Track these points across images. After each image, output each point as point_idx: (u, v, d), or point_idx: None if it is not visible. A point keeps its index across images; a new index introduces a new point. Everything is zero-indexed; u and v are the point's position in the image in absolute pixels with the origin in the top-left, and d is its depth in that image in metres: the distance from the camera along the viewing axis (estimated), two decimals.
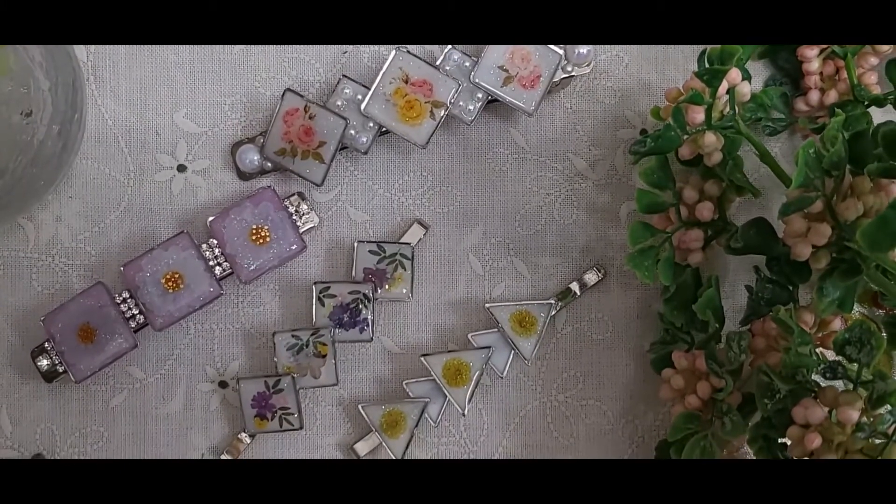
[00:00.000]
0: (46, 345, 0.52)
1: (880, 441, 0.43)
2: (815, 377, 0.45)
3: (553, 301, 0.54)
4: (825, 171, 0.43)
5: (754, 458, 0.49)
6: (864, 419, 0.43)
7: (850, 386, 0.44)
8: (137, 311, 0.52)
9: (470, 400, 0.53)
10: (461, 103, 0.53)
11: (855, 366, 0.44)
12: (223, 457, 0.54)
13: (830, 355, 0.47)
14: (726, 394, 0.47)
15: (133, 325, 0.52)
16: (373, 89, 0.52)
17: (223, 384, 0.54)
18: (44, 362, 0.52)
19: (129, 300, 0.52)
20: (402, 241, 0.54)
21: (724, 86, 0.47)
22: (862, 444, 0.42)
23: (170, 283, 0.52)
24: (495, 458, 0.55)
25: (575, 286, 0.55)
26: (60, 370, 0.52)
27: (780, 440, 0.47)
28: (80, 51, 0.54)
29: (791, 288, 0.50)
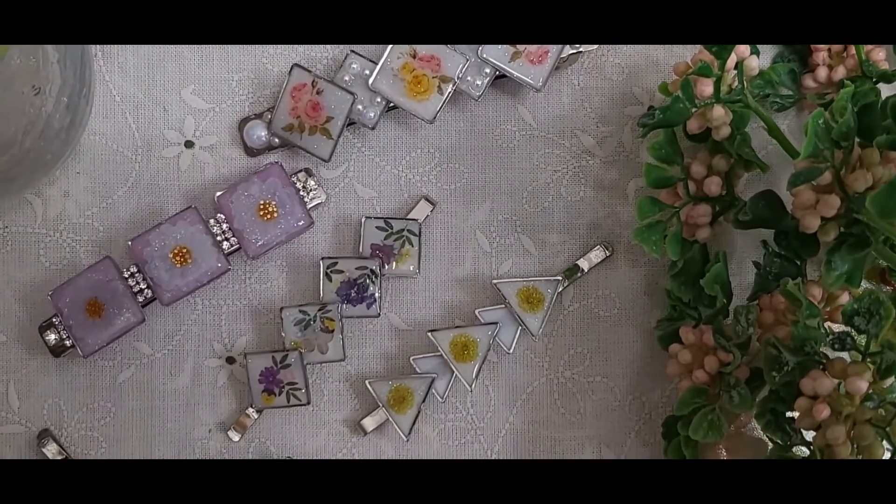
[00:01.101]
0: (54, 319, 0.52)
1: (888, 411, 0.43)
2: (822, 350, 0.45)
3: (560, 278, 0.54)
4: (834, 142, 0.43)
5: (762, 432, 0.49)
6: (873, 390, 0.43)
7: (859, 357, 0.44)
8: (145, 286, 0.52)
9: (477, 376, 0.53)
10: (469, 78, 0.53)
11: (863, 337, 0.44)
12: (230, 433, 0.54)
13: (838, 330, 0.47)
14: (734, 367, 0.47)
15: (141, 300, 0.52)
16: (380, 64, 0.52)
17: (230, 360, 0.55)
18: (51, 337, 0.52)
19: (136, 275, 0.52)
20: (409, 217, 0.54)
21: (732, 59, 0.47)
22: (870, 415, 0.42)
23: (177, 258, 0.52)
24: (502, 434, 0.55)
25: (582, 263, 0.55)
26: (68, 345, 0.52)
27: (787, 414, 0.47)
28: None
29: (799, 263, 0.50)
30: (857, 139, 0.45)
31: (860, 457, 0.44)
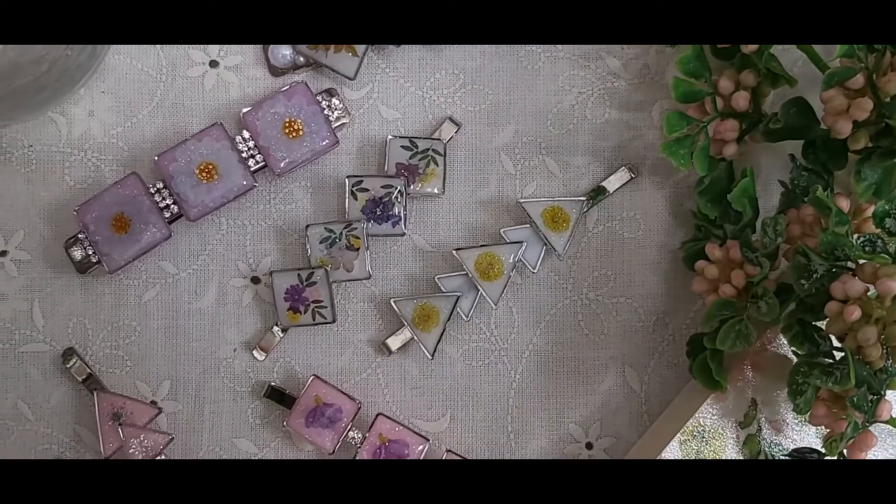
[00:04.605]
0: (80, 235, 0.52)
1: None
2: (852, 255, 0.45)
3: (584, 198, 0.54)
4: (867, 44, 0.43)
5: (788, 347, 0.50)
6: None
7: (889, 260, 0.44)
8: (171, 202, 0.52)
9: (502, 294, 0.53)
10: None
11: (894, 240, 0.44)
12: (255, 352, 0.54)
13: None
14: (762, 277, 0.47)
15: (167, 216, 0.52)
16: None
17: (255, 280, 0.55)
18: (77, 253, 0.52)
19: (162, 190, 0.52)
20: (433, 137, 0.54)
21: None
22: None
23: (203, 174, 0.52)
24: (525, 355, 0.55)
25: (607, 184, 0.55)
26: (94, 261, 0.52)
27: (815, 323, 0.47)
28: None
29: (826, 177, 0.50)
30: (889, 47, 0.45)
31: (890, 360, 0.44)
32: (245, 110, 0.52)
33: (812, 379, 0.44)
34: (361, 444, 0.52)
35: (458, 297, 0.53)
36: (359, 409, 0.53)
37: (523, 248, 0.53)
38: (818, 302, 0.45)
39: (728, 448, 0.50)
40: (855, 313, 0.42)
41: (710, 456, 0.50)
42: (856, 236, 0.47)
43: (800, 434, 0.51)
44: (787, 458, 0.50)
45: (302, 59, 0.54)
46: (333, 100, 0.54)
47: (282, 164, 0.53)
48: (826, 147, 0.48)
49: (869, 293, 0.44)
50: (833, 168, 0.49)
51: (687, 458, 0.50)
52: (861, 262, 0.44)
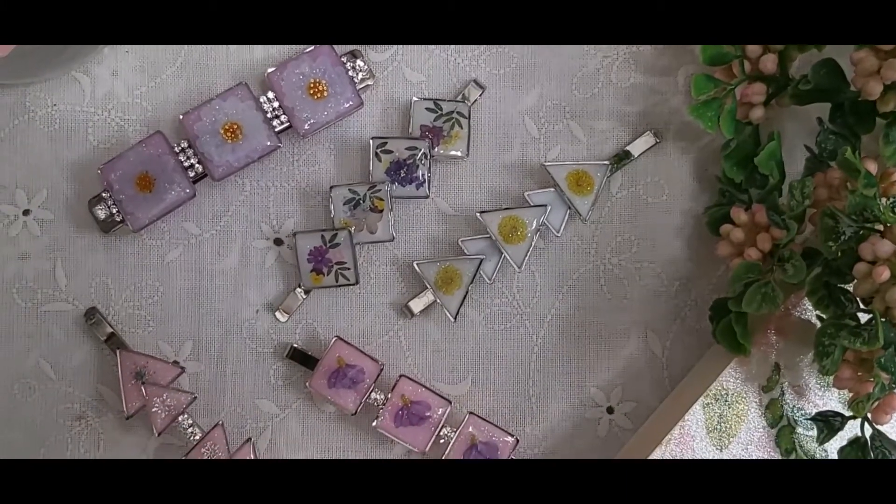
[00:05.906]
0: (104, 194, 0.52)
1: None
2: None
3: (608, 163, 0.54)
4: None
5: (813, 310, 0.50)
6: None
7: None
8: (196, 161, 0.52)
9: (526, 257, 0.53)
10: None
11: None
12: (277, 314, 0.54)
13: None
14: (789, 239, 0.47)
15: (192, 176, 0.52)
16: None
17: (278, 241, 0.54)
18: (101, 212, 0.52)
19: (187, 150, 0.52)
20: (458, 98, 0.54)
21: None
22: None
23: (228, 134, 0.52)
24: (548, 319, 0.55)
25: (631, 149, 0.55)
26: (118, 220, 0.52)
27: (841, 286, 0.47)
28: None
29: (854, 140, 0.49)
30: None
31: None
32: (270, 70, 0.52)
33: (840, 340, 0.44)
34: (384, 405, 0.52)
35: (482, 261, 0.53)
36: (381, 370, 0.53)
37: (547, 211, 0.53)
38: (845, 264, 0.45)
39: (751, 412, 0.50)
40: (884, 274, 0.42)
41: (733, 419, 0.50)
42: (883, 200, 0.47)
43: (822, 399, 0.51)
44: (809, 421, 0.50)
45: None
46: (358, 61, 0.54)
47: (306, 125, 0.52)
48: (854, 110, 0.48)
49: None
50: (861, 131, 0.49)
51: (709, 421, 0.50)
52: (889, 224, 0.44)
